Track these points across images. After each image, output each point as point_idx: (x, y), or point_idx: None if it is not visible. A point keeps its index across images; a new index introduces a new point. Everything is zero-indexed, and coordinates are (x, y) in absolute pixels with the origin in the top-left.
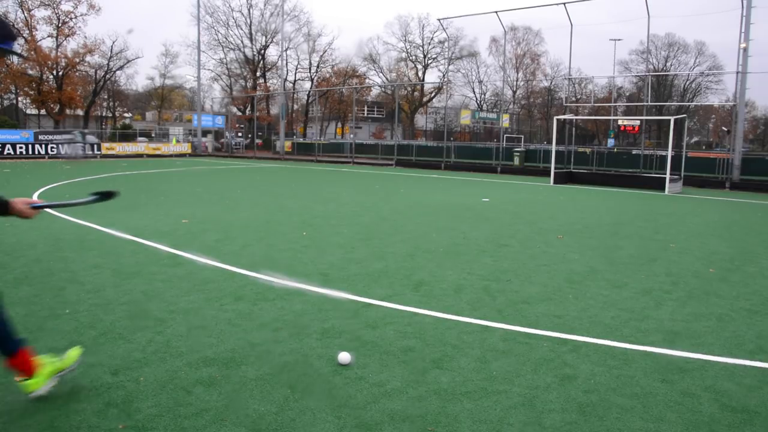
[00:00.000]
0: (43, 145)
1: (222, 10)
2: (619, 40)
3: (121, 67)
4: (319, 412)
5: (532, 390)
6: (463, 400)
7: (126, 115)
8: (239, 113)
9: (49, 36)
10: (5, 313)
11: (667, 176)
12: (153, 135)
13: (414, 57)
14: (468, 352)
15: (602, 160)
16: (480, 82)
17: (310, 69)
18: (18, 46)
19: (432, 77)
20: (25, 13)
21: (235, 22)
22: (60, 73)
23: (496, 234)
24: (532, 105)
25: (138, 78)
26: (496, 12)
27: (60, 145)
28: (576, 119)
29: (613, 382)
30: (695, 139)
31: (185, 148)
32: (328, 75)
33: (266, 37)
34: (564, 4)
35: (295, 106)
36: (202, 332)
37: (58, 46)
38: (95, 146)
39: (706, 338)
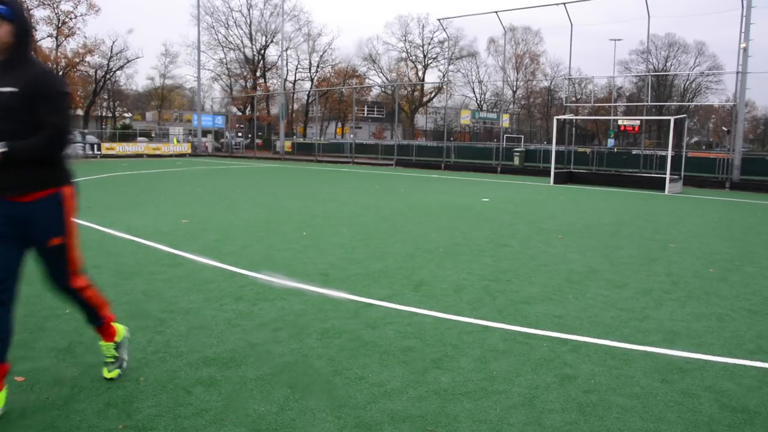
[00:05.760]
0: None
1: (222, 10)
2: (619, 40)
3: (121, 67)
4: (319, 412)
5: (532, 390)
6: (463, 400)
7: (126, 115)
8: (239, 113)
9: (48, 36)
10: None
11: (667, 176)
12: (153, 135)
13: (414, 57)
14: (468, 352)
15: (602, 160)
16: (480, 82)
17: (310, 69)
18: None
19: (432, 77)
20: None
21: (235, 22)
22: (60, 73)
23: (496, 234)
24: (532, 105)
25: (138, 78)
26: (495, 12)
27: None
28: (576, 119)
29: (613, 382)
30: (695, 139)
31: (185, 148)
32: (328, 75)
33: (266, 37)
34: (564, 4)
35: (295, 106)
36: (202, 332)
37: (58, 46)
38: (95, 146)
39: (706, 338)
